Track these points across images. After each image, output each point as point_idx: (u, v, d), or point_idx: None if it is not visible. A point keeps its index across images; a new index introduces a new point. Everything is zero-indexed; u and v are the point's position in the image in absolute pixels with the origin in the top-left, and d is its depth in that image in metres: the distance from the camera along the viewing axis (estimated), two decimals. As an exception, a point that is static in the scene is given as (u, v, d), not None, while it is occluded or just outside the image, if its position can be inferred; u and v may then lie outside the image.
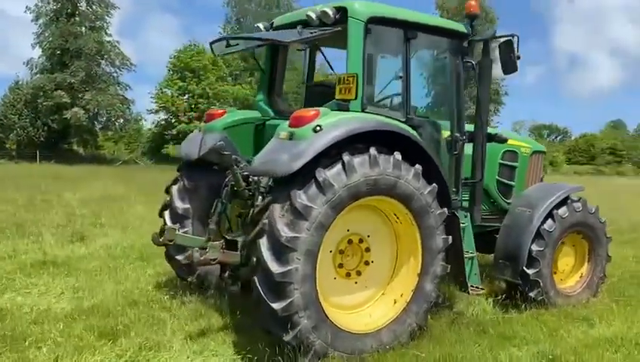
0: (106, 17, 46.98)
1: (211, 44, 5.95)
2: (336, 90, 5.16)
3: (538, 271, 6.26)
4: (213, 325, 5.42)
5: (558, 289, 6.54)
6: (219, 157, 5.40)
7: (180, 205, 6.18)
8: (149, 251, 8.42)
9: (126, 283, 6.75)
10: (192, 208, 6.20)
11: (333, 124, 4.69)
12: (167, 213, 6.31)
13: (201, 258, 4.93)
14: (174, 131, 46.55)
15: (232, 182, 5.72)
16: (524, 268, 6.25)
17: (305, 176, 4.52)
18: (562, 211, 6.41)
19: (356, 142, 4.75)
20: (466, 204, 6.25)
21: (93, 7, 46.47)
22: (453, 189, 5.77)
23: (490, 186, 6.81)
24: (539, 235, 6.29)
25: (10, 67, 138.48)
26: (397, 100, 5.62)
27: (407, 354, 4.90)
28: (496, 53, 6.05)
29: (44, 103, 42.87)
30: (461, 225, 5.76)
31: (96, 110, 44.52)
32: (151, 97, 47.95)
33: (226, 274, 5.63)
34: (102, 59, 46.09)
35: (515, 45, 5.79)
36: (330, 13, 5.15)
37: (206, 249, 5.19)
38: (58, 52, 44.63)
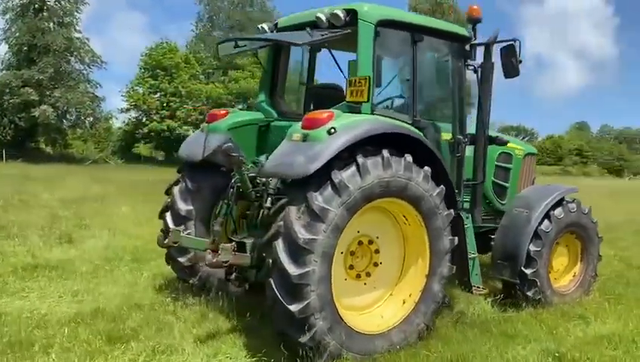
0: (75, 13, 45.90)
1: (218, 44, 5.89)
2: (347, 92, 5.18)
3: (535, 270, 6.40)
4: (221, 327, 5.37)
5: (553, 289, 6.70)
6: (227, 158, 5.35)
7: (182, 207, 6.10)
8: (141, 253, 8.33)
9: (124, 285, 6.64)
10: (194, 210, 6.13)
11: (347, 126, 4.72)
12: (168, 215, 6.22)
13: (214, 260, 4.89)
14: (145, 130, 45.87)
15: (238, 184, 5.69)
16: (522, 268, 6.38)
17: (320, 178, 4.53)
18: (558, 212, 6.57)
19: (366, 144, 4.78)
20: (466, 206, 6.34)
21: (62, 2, 45.30)
22: (456, 191, 5.86)
23: (486, 187, 6.93)
24: (536, 236, 6.43)
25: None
26: (404, 102, 5.68)
27: (419, 354, 4.96)
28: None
29: (11, 101, 41.60)
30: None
31: (65, 108, 43.43)
32: (122, 95, 47.15)
33: (233, 276, 5.58)
34: (71, 55, 44.99)
35: (518, 50, 5.92)
36: (341, 15, 5.17)
37: (209, 250, 5.15)
38: (25, 48, 43.38)
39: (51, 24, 44.52)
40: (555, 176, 55.74)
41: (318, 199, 4.48)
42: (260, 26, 6.13)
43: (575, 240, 7.02)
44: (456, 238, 5.46)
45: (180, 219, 6.10)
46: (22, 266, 7.23)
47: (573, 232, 6.90)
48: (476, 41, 6.08)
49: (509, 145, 7.25)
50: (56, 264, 7.37)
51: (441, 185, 5.23)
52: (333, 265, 4.65)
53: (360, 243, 5.09)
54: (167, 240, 5.57)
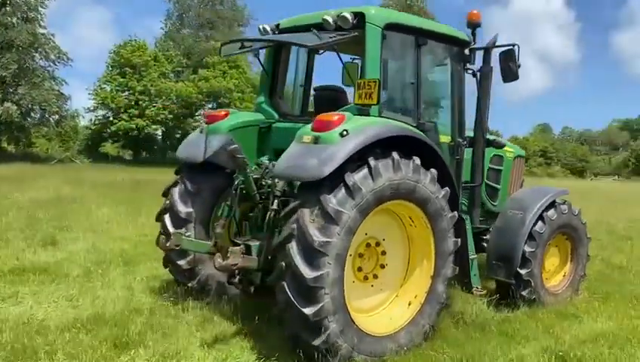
0: (40, 8, 44.50)
1: (223, 44, 5.82)
2: (354, 94, 5.19)
3: (530, 271, 6.54)
4: (226, 331, 5.32)
5: (546, 288, 6.86)
6: (233, 160, 5.29)
7: (182, 209, 6.00)
8: (131, 255, 8.18)
9: (119, 289, 6.49)
10: (194, 212, 6.04)
11: (358, 128, 4.73)
12: (167, 217, 6.10)
13: (223, 263, 4.83)
14: (113, 128, 44.91)
15: (241, 186, 5.63)
16: (517, 268, 6.51)
17: (333, 180, 4.53)
18: (551, 213, 6.72)
19: (375, 147, 4.80)
20: (464, 208, 6.43)
21: (26, -4, 44.00)
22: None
23: (480, 189, 7.03)
24: (531, 237, 6.56)
25: None
26: (408, 105, 5.72)
27: (427, 355, 5.01)
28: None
29: (-28, 98, 40.23)
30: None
31: (29, 106, 42.12)
32: (89, 93, 46.00)
33: (236, 279, 5.53)
34: (35, 52, 43.63)
35: (516, 54, 6.03)
36: (349, 18, 5.18)
37: (218, 253, 5.09)
38: (-13, 44, 41.99)
39: (15, 19, 43.05)
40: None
41: (332, 201, 4.47)
42: (261, 27, 6.07)
43: (565, 241, 7.20)
44: (459, 240, 5.53)
45: (180, 222, 6.00)
46: (9, 270, 6.99)
47: (565, 233, 7.07)
48: (475, 46, 6.18)
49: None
50: (45, 267, 7.15)
51: (446, 188, 5.30)
52: (345, 267, 4.66)
53: (368, 245, 5.11)
54: (169, 242, 5.50)
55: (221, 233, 5.66)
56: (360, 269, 5.10)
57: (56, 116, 44.31)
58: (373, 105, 5.08)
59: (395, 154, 4.82)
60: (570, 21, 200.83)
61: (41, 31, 43.89)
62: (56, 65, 44.69)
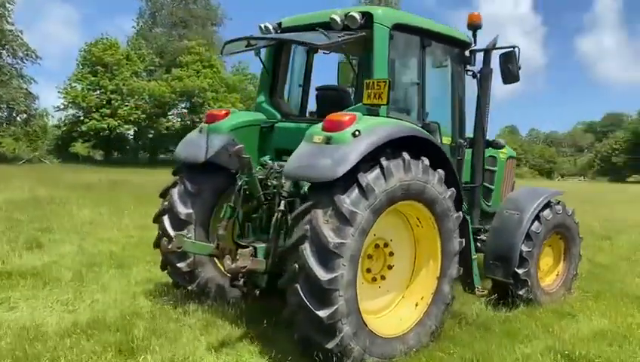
0: (7, 4, 43.29)
1: (228, 43, 5.71)
2: (364, 94, 5.15)
3: (527, 270, 6.60)
4: (232, 335, 5.21)
5: (542, 288, 6.94)
6: (239, 160, 5.19)
7: (182, 210, 5.86)
8: (121, 258, 7.99)
9: (114, 293, 6.31)
10: (194, 213, 5.91)
11: (370, 128, 4.69)
12: (166, 219, 5.95)
13: (233, 266, 4.74)
14: (84, 128, 43.98)
15: (245, 186, 5.54)
16: (515, 268, 6.57)
17: (346, 180, 4.48)
18: (547, 213, 6.81)
19: (386, 147, 4.77)
20: (464, 208, 6.45)
21: (-8, -8, 42.77)
22: None
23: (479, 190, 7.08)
24: (528, 237, 6.64)
25: None
26: (414, 106, 5.72)
27: (436, 356, 5.01)
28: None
29: None
30: None
31: (-3, 104, 41.04)
32: (58, 92, 44.93)
33: (241, 281, 5.42)
34: (2, 49, 42.49)
35: (517, 57, 6.09)
36: (358, 17, 5.15)
37: (228, 256, 4.99)
38: (-49, 40, 40.69)
39: (-20, 15, 41.89)
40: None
41: (346, 202, 4.43)
42: (262, 25, 5.98)
43: (559, 241, 7.30)
44: (464, 240, 5.55)
45: (180, 223, 5.86)
46: (-3, 274, 6.74)
47: (559, 233, 7.17)
48: (476, 47, 6.22)
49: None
50: (34, 271, 6.90)
51: (452, 188, 5.31)
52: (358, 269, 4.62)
53: (376, 246, 5.08)
54: (170, 245, 5.36)
55: (224, 234, 5.54)
56: (369, 270, 5.06)
57: (24, 115, 43.25)
58: (383, 105, 5.05)
59: (405, 155, 4.81)
60: (536, 25, 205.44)
61: (9, 27, 42.73)
62: (24, 62, 43.60)
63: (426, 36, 5.64)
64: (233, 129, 5.94)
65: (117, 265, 7.49)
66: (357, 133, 4.59)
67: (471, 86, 6.42)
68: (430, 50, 5.73)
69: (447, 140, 6.15)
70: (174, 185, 6.05)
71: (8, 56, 42.99)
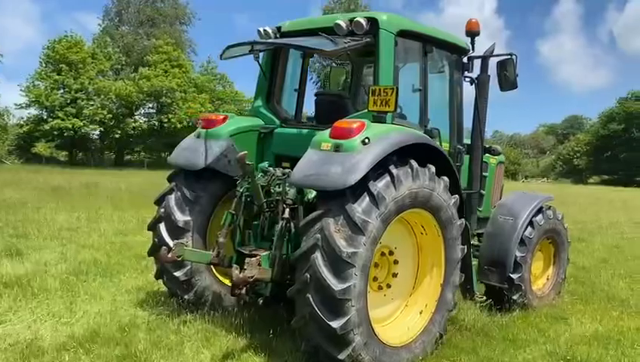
0: (-34, 0, 41.94)
1: (230, 47, 5.56)
2: (369, 101, 5.09)
3: (521, 275, 6.68)
4: (235, 345, 5.08)
5: (534, 291, 7.03)
6: (241, 166, 5.07)
7: (179, 217, 5.70)
8: (106, 266, 7.74)
9: (106, 303, 6.08)
10: (192, 220, 5.75)
11: (379, 136, 4.65)
12: (162, 226, 5.77)
13: (241, 276, 4.62)
14: (47, 127, 42.73)
15: (247, 193, 5.42)
16: (510, 273, 6.63)
17: (356, 188, 4.42)
18: (539, 219, 6.90)
19: (393, 155, 4.73)
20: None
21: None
22: None
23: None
24: (522, 242, 6.71)
25: None
26: (416, 112, 5.70)
27: (442, 363, 5.00)
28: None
29: None
30: None
31: (-46, 103, 39.51)
32: (20, 90, 43.56)
33: (244, 290, 5.29)
34: (-39, 46, 41.03)
35: (514, 64, 6.14)
36: (364, 23, 5.10)
37: (235, 266, 4.87)
38: None
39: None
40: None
41: (358, 211, 4.37)
42: (261, 29, 5.86)
43: (549, 245, 7.41)
44: (466, 247, 5.56)
45: (177, 231, 5.70)
46: (-22, 284, 6.43)
47: (549, 238, 7.28)
48: (474, 54, 6.25)
49: None
50: (18, 281, 6.59)
51: (456, 195, 5.31)
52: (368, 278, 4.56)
53: (382, 254, 5.04)
54: (170, 254, 5.21)
55: (224, 242, 5.40)
56: (375, 279, 5.02)
57: (-16, 114, 41.83)
58: (390, 112, 5.01)
59: (413, 163, 4.78)
60: (499, 28, 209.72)
61: (-32, 23, 41.15)
62: (-17, 59, 42.15)
63: (428, 42, 5.65)
64: (233, 134, 5.81)
65: (104, 273, 7.24)
66: (367, 140, 4.53)
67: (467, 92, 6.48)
68: (431, 56, 5.74)
69: (445, 146, 6.15)
70: (170, 191, 5.87)
71: (-33, 53, 41.51)
